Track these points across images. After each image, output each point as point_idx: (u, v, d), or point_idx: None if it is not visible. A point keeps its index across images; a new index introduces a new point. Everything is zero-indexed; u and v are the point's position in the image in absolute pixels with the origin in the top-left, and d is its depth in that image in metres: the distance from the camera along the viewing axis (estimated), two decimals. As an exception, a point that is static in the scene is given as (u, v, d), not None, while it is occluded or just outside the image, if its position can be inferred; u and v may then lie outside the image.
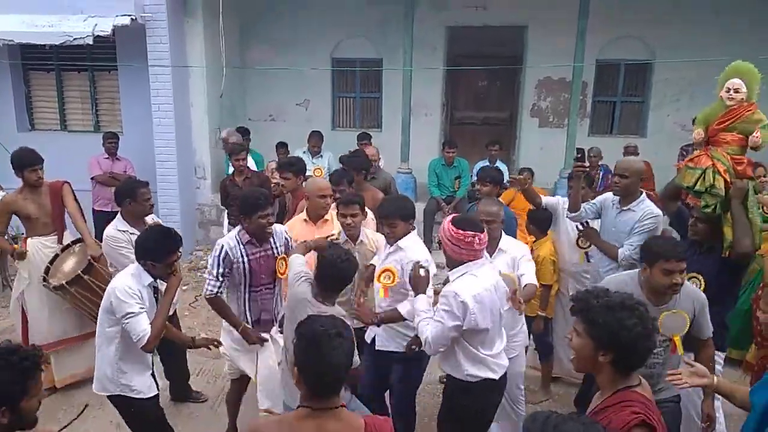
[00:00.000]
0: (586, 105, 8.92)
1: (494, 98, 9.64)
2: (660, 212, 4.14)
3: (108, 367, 3.30)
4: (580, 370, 2.23)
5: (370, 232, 4.21)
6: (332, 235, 4.05)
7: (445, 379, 4.91)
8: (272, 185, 5.92)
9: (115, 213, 4.45)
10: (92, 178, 7.28)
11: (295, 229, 4.35)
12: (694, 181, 3.57)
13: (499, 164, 7.53)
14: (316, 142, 7.76)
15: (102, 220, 6.86)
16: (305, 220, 4.40)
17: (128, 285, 3.18)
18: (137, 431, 3.46)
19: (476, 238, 3.05)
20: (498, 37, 8.88)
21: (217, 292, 3.73)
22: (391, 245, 3.67)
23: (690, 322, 2.95)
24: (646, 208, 4.08)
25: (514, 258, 3.78)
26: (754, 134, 3.46)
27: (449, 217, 3.17)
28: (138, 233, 3.78)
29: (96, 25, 7.41)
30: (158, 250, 3.24)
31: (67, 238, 4.91)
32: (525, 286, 3.65)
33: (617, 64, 8.71)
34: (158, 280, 3.35)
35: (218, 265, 3.68)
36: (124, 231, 4.20)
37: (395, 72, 8.33)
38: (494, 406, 3.34)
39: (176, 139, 8.00)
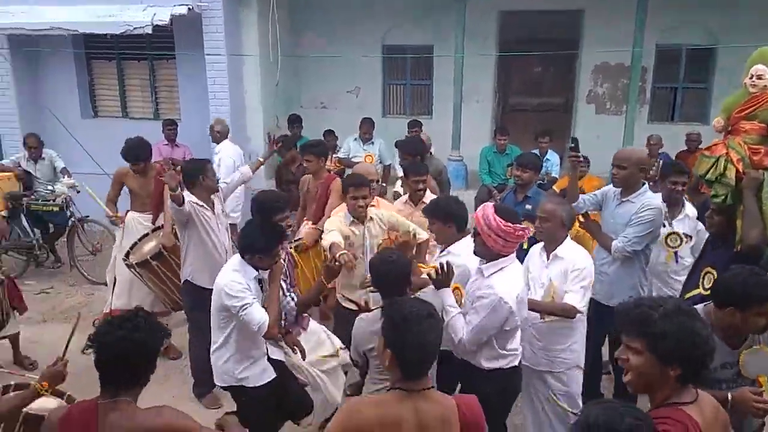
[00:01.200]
0: (645, 91, 8.64)
1: (549, 84, 9.46)
2: (660, 205, 4.00)
3: (225, 362, 3.37)
4: (641, 391, 1.94)
5: (380, 212, 4.24)
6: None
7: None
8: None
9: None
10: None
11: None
12: (706, 169, 3.42)
13: (550, 155, 7.40)
14: (367, 129, 7.79)
15: (161, 204, 7.12)
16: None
17: (235, 280, 3.21)
18: (247, 416, 3.49)
19: (526, 231, 2.98)
20: (553, 21, 8.67)
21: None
22: (441, 248, 3.65)
23: None
24: (645, 200, 3.93)
25: (566, 270, 3.38)
26: None
27: (490, 208, 3.01)
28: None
29: (155, 14, 7.61)
30: (266, 246, 3.27)
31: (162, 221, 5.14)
32: (557, 303, 3.39)
33: (678, 49, 8.38)
34: (261, 272, 3.37)
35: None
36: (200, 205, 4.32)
37: (446, 58, 8.26)
38: (515, 393, 3.30)
39: (231, 126, 8.16)
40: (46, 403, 2.87)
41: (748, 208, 3.27)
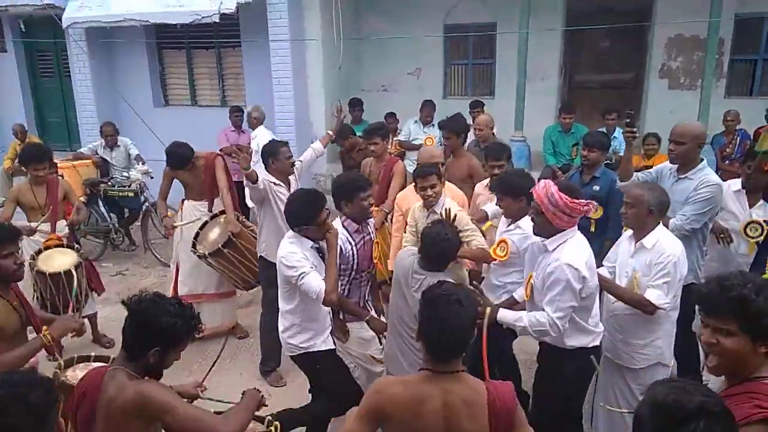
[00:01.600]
0: (722, 64, 8.15)
1: (618, 59, 9.06)
2: (719, 181, 3.78)
3: (292, 332, 3.49)
4: (724, 372, 1.90)
5: (449, 201, 4.09)
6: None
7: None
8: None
9: (241, 183, 4.76)
10: (221, 150, 7.76)
11: (408, 198, 4.44)
12: None
13: (617, 133, 7.11)
14: (428, 112, 7.72)
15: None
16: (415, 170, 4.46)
17: (291, 251, 3.32)
18: (325, 383, 3.60)
19: (590, 205, 2.97)
20: (623, -7, 8.29)
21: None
22: (508, 222, 3.66)
23: None
24: (704, 176, 3.74)
25: (651, 262, 3.13)
26: None
27: (553, 186, 2.98)
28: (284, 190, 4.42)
29: (222, 3, 7.80)
30: (306, 213, 3.34)
31: (218, 206, 5.31)
32: (634, 294, 3.20)
33: (760, 18, 7.84)
34: (319, 242, 3.44)
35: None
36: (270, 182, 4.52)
37: (510, 36, 8.05)
38: (592, 373, 3.20)
39: (295, 112, 8.32)
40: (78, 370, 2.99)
41: None
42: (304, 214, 3.35)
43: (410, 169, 7.34)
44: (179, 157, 5.13)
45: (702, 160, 3.85)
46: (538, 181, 7.16)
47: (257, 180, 4.36)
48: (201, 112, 9.31)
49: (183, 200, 5.46)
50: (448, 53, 9.45)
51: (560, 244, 3.00)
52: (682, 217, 3.74)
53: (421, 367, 2.17)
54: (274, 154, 4.59)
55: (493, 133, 6.20)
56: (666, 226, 3.77)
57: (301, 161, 5.03)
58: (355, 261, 3.76)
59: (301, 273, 3.26)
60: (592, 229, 4.34)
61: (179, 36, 9.07)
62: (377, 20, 9.22)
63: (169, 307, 2.27)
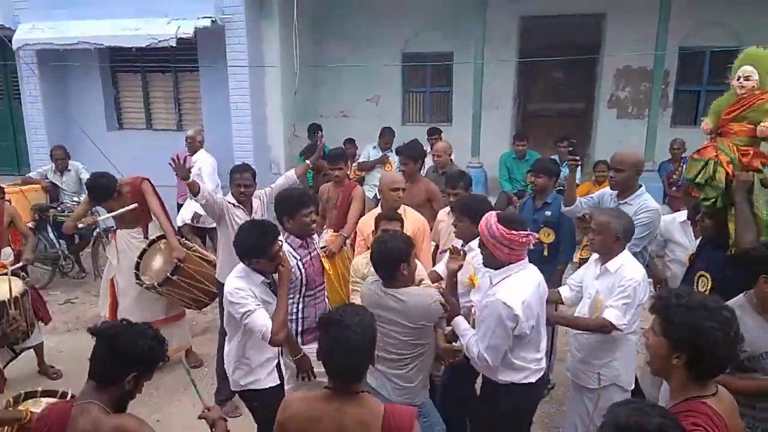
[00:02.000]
0: (668, 95, 8.53)
1: (570, 89, 9.39)
2: (657, 206, 3.95)
3: (235, 367, 3.31)
4: (655, 372, 2.08)
5: None
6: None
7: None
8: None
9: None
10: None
11: (370, 223, 4.43)
12: (696, 172, 3.37)
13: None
14: (388, 139, 7.79)
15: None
16: (379, 214, 4.46)
17: (237, 287, 3.12)
18: (257, 421, 3.44)
19: (530, 237, 2.91)
20: (574, 25, 8.61)
21: None
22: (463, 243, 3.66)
23: None
24: (642, 202, 3.90)
25: (614, 285, 3.23)
26: (762, 123, 3.19)
27: (493, 217, 2.95)
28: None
29: (179, 27, 7.74)
30: (256, 246, 3.14)
31: (153, 231, 5.18)
32: (590, 320, 3.30)
33: (702, 51, 8.26)
34: (270, 277, 3.26)
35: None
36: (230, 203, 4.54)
37: (466, 66, 8.25)
38: (529, 411, 3.22)
39: (253, 137, 8.27)
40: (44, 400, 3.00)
41: (739, 210, 3.20)
42: (254, 247, 3.15)
43: (369, 194, 7.43)
44: (103, 189, 4.93)
45: (640, 186, 4.01)
46: (495, 206, 7.34)
47: (198, 192, 4.35)
48: (156, 136, 9.16)
49: (114, 230, 5.23)
50: (406, 81, 9.61)
51: (504, 278, 2.96)
52: None
53: (325, 386, 2.22)
54: (230, 179, 4.59)
55: (451, 160, 6.31)
56: None
57: (272, 187, 4.98)
58: (304, 277, 3.69)
59: (246, 312, 3.06)
60: (545, 253, 4.44)
61: (134, 59, 8.94)
62: (336, 47, 9.32)
63: (145, 330, 2.26)
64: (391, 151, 7.76)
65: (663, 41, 7.27)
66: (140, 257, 4.98)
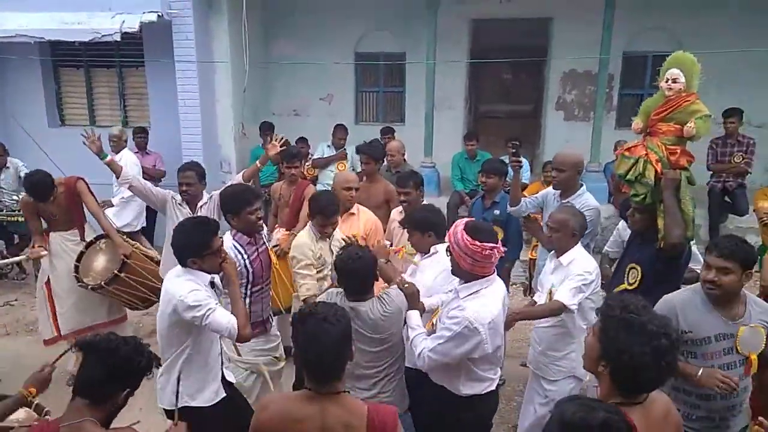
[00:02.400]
0: (612, 98, 8.80)
1: (519, 91, 9.57)
2: (597, 205, 4.14)
3: (175, 382, 2.99)
4: (586, 368, 2.13)
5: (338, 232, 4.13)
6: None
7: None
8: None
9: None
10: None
11: None
12: (626, 169, 3.52)
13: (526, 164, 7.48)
14: (342, 135, 7.76)
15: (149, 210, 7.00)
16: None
17: (193, 288, 2.93)
18: None
19: (495, 251, 2.81)
20: (522, 29, 8.80)
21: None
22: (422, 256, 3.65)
23: (766, 338, 2.73)
24: (584, 201, 4.08)
25: (566, 276, 3.40)
26: (688, 124, 3.37)
27: (461, 225, 2.89)
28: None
29: (124, 21, 7.51)
30: (200, 244, 2.99)
31: (89, 232, 5.05)
32: (542, 305, 3.47)
33: (644, 56, 8.56)
34: (214, 275, 3.13)
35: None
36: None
37: (418, 66, 8.31)
38: (491, 416, 3.24)
39: (202, 134, 8.10)
40: (15, 414, 2.77)
41: (668, 207, 3.34)
42: (196, 244, 2.99)
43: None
44: (45, 187, 4.73)
45: (581, 185, 4.17)
46: (447, 205, 7.39)
47: (120, 173, 4.48)
48: (100, 132, 8.84)
49: (47, 232, 5.02)
50: (359, 80, 9.59)
51: (470, 294, 2.89)
52: None
53: (305, 386, 2.17)
54: (179, 176, 4.55)
55: (404, 159, 6.35)
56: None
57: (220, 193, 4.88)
58: (251, 274, 3.68)
59: (207, 311, 2.88)
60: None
61: (77, 54, 8.64)
62: (287, 45, 9.23)
63: (138, 345, 2.20)
64: (345, 150, 7.74)
65: (607, 46, 7.50)
66: (78, 260, 4.80)
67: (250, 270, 3.66)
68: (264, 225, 3.85)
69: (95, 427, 2.04)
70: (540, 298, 3.60)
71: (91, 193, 5.03)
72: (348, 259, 3.03)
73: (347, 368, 2.83)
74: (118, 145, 7.02)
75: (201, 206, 4.62)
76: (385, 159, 5.81)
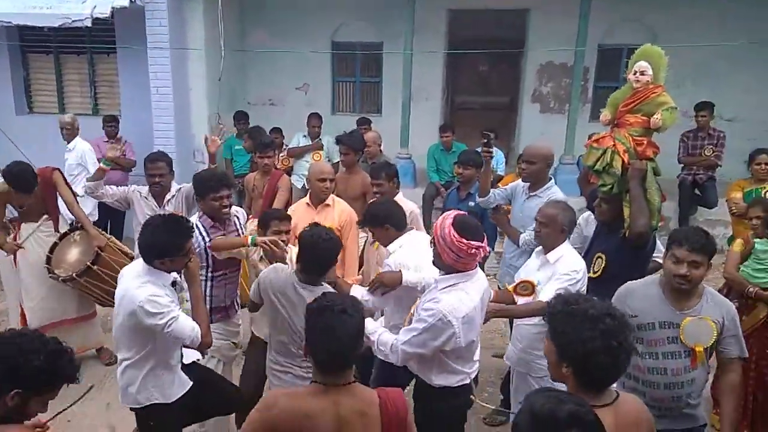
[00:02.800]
0: (587, 90, 8.86)
1: (495, 83, 9.58)
2: (565, 198, 4.14)
3: (138, 383, 3.00)
4: (554, 378, 2.09)
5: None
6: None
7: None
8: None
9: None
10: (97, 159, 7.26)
11: (297, 212, 4.41)
12: (594, 160, 3.57)
13: (495, 152, 7.47)
14: (316, 122, 7.68)
15: (102, 202, 6.87)
16: (307, 203, 4.47)
17: (154, 294, 2.81)
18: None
19: (480, 250, 2.76)
20: (500, 20, 8.80)
21: None
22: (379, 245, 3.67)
23: (716, 333, 2.71)
24: (552, 194, 4.11)
25: (554, 274, 3.31)
26: (655, 115, 3.43)
27: (449, 219, 2.81)
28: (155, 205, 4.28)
29: (95, 7, 7.32)
30: (168, 246, 2.86)
31: (62, 224, 4.94)
32: (523, 305, 3.37)
33: (620, 48, 8.62)
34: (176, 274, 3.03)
35: None
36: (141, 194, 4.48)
37: (395, 56, 8.27)
38: (467, 406, 3.20)
39: (175, 123, 7.96)
40: None
41: (634, 196, 3.39)
42: (167, 246, 2.86)
43: (297, 184, 7.34)
44: (29, 179, 4.57)
45: (550, 179, 4.21)
46: (423, 196, 7.35)
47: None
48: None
49: (19, 223, 4.87)
50: (335, 70, 9.52)
51: (448, 286, 2.84)
52: (530, 232, 3.99)
53: (312, 379, 2.13)
54: (144, 168, 4.48)
55: (381, 150, 6.33)
56: (517, 241, 4.08)
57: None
58: (210, 258, 3.69)
59: (170, 319, 2.80)
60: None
61: (46, 39, 8.42)
62: (263, 33, 9.11)
63: (40, 346, 1.97)
64: (320, 139, 7.69)
65: (583, 38, 7.53)
66: (51, 251, 4.70)
67: (210, 253, 3.68)
68: (228, 213, 3.80)
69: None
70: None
71: (67, 184, 4.93)
72: (318, 238, 3.00)
73: (285, 342, 2.96)
74: (71, 132, 6.87)
75: (169, 199, 4.51)
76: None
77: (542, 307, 3.08)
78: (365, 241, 4.71)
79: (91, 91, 8.80)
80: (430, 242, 2.93)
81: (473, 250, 2.73)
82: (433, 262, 2.94)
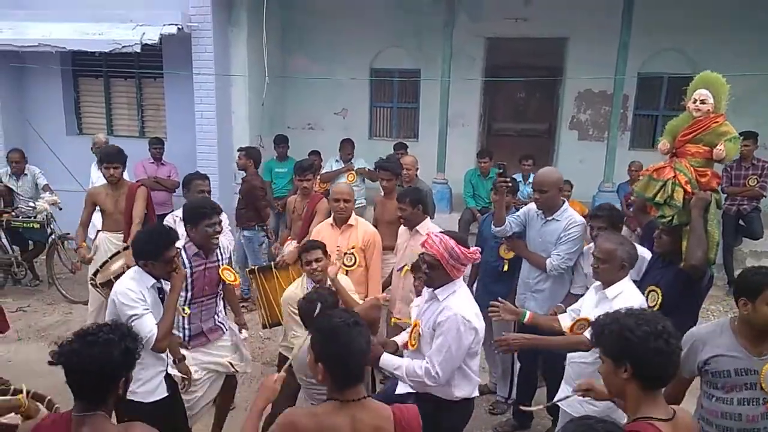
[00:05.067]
0: (627, 118, 8.80)
1: (533, 110, 9.59)
2: (583, 220, 4.10)
3: None
4: (615, 396, 2.12)
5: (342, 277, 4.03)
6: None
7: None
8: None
9: (159, 216, 4.65)
10: (137, 182, 7.48)
11: (321, 232, 4.52)
12: (654, 192, 3.47)
13: (532, 178, 7.45)
14: (349, 150, 7.77)
15: (145, 222, 7.06)
16: (331, 224, 4.56)
17: (129, 288, 3.12)
18: None
19: (477, 252, 3.06)
20: (538, 48, 8.84)
21: None
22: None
23: None
24: (569, 217, 4.07)
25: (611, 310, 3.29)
26: (717, 147, 3.32)
27: (450, 240, 3.00)
28: None
29: (144, 33, 7.64)
30: (153, 249, 3.17)
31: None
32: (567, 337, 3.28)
33: (660, 77, 8.56)
34: (162, 281, 3.28)
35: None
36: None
37: (433, 82, 8.36)
38: (468, 419, 3.19)
39: (218, 146, 8.20)
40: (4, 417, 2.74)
41: (694, 228, 3.28)
42: (148, 250, 3.18)
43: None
44: (120, 153, 5.20)
45: (564, 201, 4.15)
46: (459, 221, 7.32)
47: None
48: (118, 142, 8.83)
49: (98, 231, 5.27)
50: (373, 95, 9.66)
51: (449, 294, 3.01)
52: (557, 257, 3.98)
53: (328, 398, 2.15)
54: (187, 185, 4.69)
55: (416, 175, 6.37)
56: (542, 266, 4.03)
57: None
58: (189, 286, 3.71)
59: (134, 315, 3.05)
60: (505, 268, 4.52)
61: (97, 64, 8.79)
62: (304, 59, 9.33)
63: (107, 336, 2.05)
64: (353, 163, 7.77)
65: (623, 66, 7.51)
66: (110, 258, 4.89)
67: (189, 281, 3.71)
68: (217, 243, 3.81)
69: (106, 421, 2.03)
70: (565, 321, 3.40)
71: (149, 203, 5.29)
72: (306, 302, 3.26)
73: None
74: None
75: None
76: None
77: (583, 342, 3.02)
78: (393, 268, 4.75)
79: (138, 113, 9.11)
80: (428, 268, 3.04)
81: (477, 255, 3.04)
82: (427, 284, 3.13)
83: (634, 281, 3.67)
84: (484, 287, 4.67)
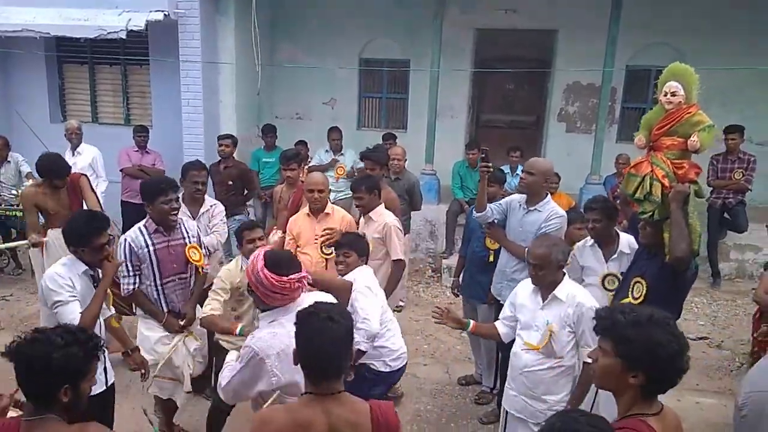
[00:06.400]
0: (614, 111, 8.82)
1: (521, 102, 9.58)
2: (564, 213, 4.17)
3: None
4: (605, 389, 2.06)
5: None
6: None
7: (463, 381, 4.88)
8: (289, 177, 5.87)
9: (142, 205, 4.56)
10: (121, 170, 7.41)
11: (298, 222, 4.54)
12: (634, 188, 3.47)
13: (520, 170, 7.46)
14: (336, 136, 7.75)
15: (130, 210, 7.01)
16: (307, 213, 4.55)
17: (58, 273, 3.08)
18: None
19: (300, 282, 2.66)
20: (527, 40, 8.83)
21: (133, 288, 3.71)
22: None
23: None
24: (551, 208, 4.13)
25: (566, 313, 3.22)
26: (691, 137, 3.31)
27: (260, 261, 2.63)
28: (189, 214, 4.20)
29: (130, 19, 7.54)
30: (82, 235, 3.12)
31: None
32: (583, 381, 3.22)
33: (648, 70, 8.58)
34: (96, 269, 3.23)
35: (126, 258, 3.64)
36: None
37: (422, 73, 8.33)
38: None
39: (204, 135, 8.12)
40: None
41: (675, 221, 3.26)
42: (77, 237, 3.12)
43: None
44: (62, 165, 4.80)
45: (547, 194, 4.21)
46: (447, 213, 7.30)
47: None
48: (102, 130, 8.87)
49: (45, 230, 5.01)
50: (362, 85, 9.62)
51: (271, 321, 2.66)
52: None
53: (304, 391, 2.13)
54: (184, 174, 4.56)
55: (405, 166, 6.36)
56: (521, 255, 4.06)
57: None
58: (155, 264, 3.70)
59: (58, 301, 3.03)
60: (491, 259, 4.55)
61: (82, 50, 8.66)
62: (292, 48, 9.26)
63: (56, 338, 2.00)
64: (342, 153, 7.74)
65: (611, 59, 7.52)
66: None
67: (155, 259, 3.69)
68: (176, 220, 3.80)
69: (58, 424, 1.97)
70: (530, 337, 3.33)
71: (93, 190, 5.02)
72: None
73: None
74: (79, 137, 7.07)
75: (203, 213, 4.64)
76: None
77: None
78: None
79: (123, 101, 9.00)
80: (248, 290, 2.79)
81: (297, 283, 2.63)
82: (257, 305, 2.82)
83: (622, 273, 3.74)
84: (470, 277, 4.78)
